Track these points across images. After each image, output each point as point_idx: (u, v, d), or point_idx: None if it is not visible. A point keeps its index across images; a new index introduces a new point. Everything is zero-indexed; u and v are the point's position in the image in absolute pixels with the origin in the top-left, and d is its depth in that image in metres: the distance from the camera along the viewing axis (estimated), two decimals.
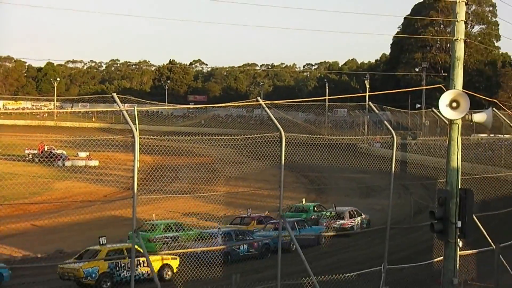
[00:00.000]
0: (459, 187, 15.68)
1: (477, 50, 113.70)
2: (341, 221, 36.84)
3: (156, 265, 23.87)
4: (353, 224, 37.28)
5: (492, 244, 21.05)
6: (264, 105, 18.23)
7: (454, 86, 15.64)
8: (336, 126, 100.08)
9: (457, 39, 15.94)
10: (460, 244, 15.69)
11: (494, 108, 19.86)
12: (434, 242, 20.77)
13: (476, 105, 19.79)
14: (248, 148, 22.64)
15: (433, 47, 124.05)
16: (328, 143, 24.59)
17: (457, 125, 15.71)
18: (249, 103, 21.52)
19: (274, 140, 18.26)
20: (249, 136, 21.36)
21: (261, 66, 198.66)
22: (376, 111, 22.10)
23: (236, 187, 41.65)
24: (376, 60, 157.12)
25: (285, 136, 17.48)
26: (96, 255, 23.29)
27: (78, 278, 23.11)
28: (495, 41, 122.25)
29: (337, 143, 24.82)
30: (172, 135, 19.76)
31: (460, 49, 15.97)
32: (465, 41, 16.08)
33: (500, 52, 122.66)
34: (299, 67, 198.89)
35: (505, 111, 28.54)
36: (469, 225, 15.56)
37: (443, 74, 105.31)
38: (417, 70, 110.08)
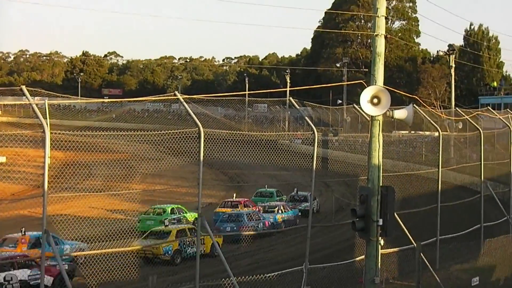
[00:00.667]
0: (380, 184, 15.92)
1: (397, 46, 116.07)
2: (306, 204, 40.84)
3: (208, 244, 28.12)
4: (314, 206, 40.96)
5: (413, 242, 21.49)
6: (182, 100, 18.12)
7: (375, 82, 15.88)
8: (256, 122, 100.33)
9: (378, 35, 16.17)
10: (382, 242, 15.93)
11: (414, 105, 20.29)
12: (356, 241, 21.05)
13: (397, 102, 20.17)
14: (165, 144, 22.44)
15: (354, 42, 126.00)
16: (248, 139, 24.61)
17: (378, 121, 15.94)
18: (167, 97, 21.36)
19: (193, 136, 18.15)
20: (166, 131, 21.16)
21: (179, 59, 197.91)
22: (297, 107, 22.25)
23: (153, 185, 41.19)
24: (297, 55, 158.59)
25: (203, 131, 17.40)
26: (165, 235, 28.10)
27: (157, 255, 27.45)
28: (415, 37, 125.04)
29: (257, 139, 24.86)
30: (85, 130, 19.39)
31: (380, 45, 16.20)
32: (385, 37, 16.32)
33: (420, 49, 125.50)
34: (218, 61, 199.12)
35: (425, 108, 29.18)
36: (391, 223, 15.82)
37: (364, 69, 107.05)
38: (338, 65, 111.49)
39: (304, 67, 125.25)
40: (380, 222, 15.57)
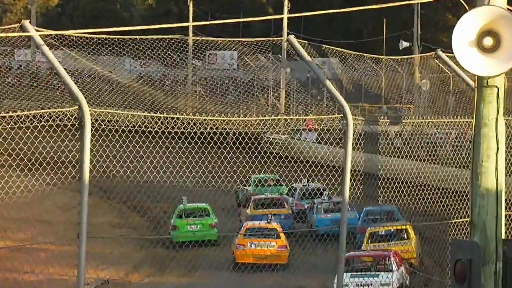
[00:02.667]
0: (503, 236, 15.93)
1: None
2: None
3: None
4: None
5: None
6: (41, 40, 18.01)
7: None
8: (214, 91, 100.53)
9: None
10: None
11: None
12: None
13: None
14: (2, 144, 22.61)
15: None
16: (194, 132, 24.69)
17: (496, 89, 15.94)
18: (5, 34, 21.35)
19: (67, 124, 18.17)
20: (5, 114, 21.22)
21: None
22: (307, 57, 22.28)
23: None
24: None
25: (91, 113, 17.37)
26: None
27: None
28: None
29: (215, 131, 25.01)
30: None
31: None
32: None
33: None
34: None
35: None
36: None
37: None
38: None
39: None
40: None
